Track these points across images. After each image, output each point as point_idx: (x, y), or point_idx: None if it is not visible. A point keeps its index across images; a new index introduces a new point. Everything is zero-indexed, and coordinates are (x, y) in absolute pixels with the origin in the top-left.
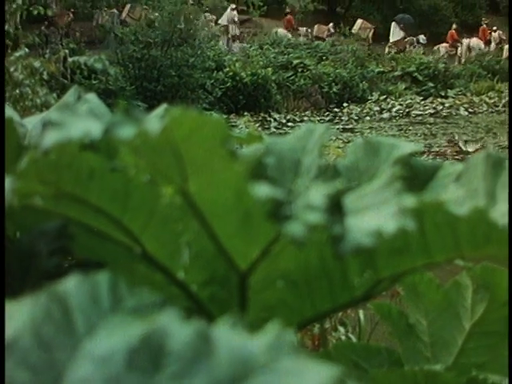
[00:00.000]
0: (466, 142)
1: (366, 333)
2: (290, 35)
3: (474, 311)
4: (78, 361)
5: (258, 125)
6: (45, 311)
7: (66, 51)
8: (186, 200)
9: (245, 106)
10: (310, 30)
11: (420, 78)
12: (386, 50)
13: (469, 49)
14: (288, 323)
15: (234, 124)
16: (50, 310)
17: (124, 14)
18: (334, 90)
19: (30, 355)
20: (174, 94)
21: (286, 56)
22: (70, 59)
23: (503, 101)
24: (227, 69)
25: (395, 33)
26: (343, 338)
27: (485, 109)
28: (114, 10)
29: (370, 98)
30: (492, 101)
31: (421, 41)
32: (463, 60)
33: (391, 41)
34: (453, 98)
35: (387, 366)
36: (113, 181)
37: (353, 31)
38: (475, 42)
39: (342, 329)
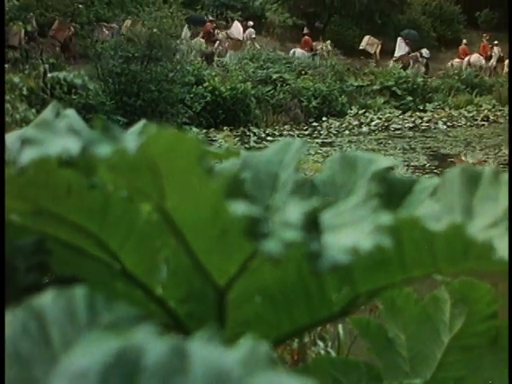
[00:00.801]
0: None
1: (346, 347)
2: (307, 55)
3: (452, 325)
4: (54, 377)
5: (237, 139)
6: (22, 326)
7: (46, 66)
8: (163, 217)
9: (224, 120)
10: (324, 48)
11: (399, 91)
12: (391, 64)
13: (469, 64)
14: (266, 338)
15: (213, 139)
16: (26, 326)
17: (124, 29)
18: (313, 104)
19: (7, 371)
20: (153, 109)
21: (265, 70)
22: (49, 74)
23: (481, 114)
24: (206, 83)
25: (400, 48)
26: (322, 352)
27: (463, 122)
28: (115, 25)
29: (349, 111)
30: (470, 114)
31: (424, 55)
32: (464, 75)
33: (396, 55)
34: (431, 111)
35: (366, 380)
36: (91, 197)
37: (360, 47)
38: (475, 57)
39: (321, 343)
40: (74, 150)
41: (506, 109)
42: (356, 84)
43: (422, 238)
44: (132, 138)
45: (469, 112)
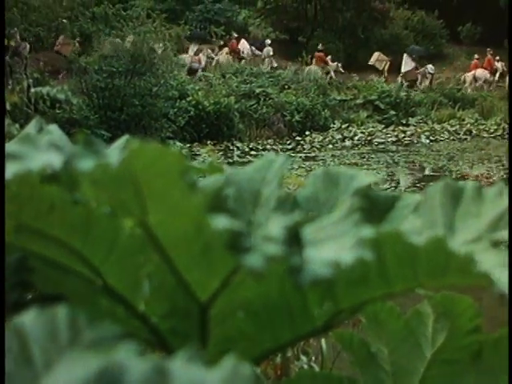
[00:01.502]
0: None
1: (329, 361)
2: (320, 72)
3: (434, 340)
4: None
5: (221, 153)
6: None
7: (30, 81)
8: (145, 232)
9: (208, 134)
10: (340, 65)
11: (382, 106)
12: (399, 79)
13: (474, 79)
14: (249, 354)
15: (197, 153)
16: (8, 345)
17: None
18: (297, 118)
19: None
20: (137, 123)
21: (248, 85)
22: (32, 89)
23: (464, 128)
24: (190, 98)
25: (407, 63)
26: (306, 367)
27: (446, 136)
28: (118, 40)
29: (332, 126)
30: (453, 128)
31: (429, 70)
32: (469, 90)
33: (403, 71)
34: (414, 125)
35: None
36: (73, 213)
37: (369, 63)
38: (481, 72)
39: (304, 358)
40: (56, 164)
41: (489, 122)
42: (339, 98)
43: (404, 252)
44: (115, 152)
45: (452, 126)
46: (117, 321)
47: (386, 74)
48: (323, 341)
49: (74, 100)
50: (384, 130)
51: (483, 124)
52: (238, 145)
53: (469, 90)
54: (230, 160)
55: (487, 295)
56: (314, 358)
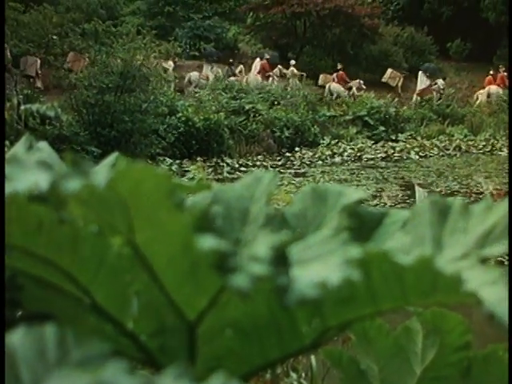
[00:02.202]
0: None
1: (319, 378)
2: (342, 89)
3: (424, 356)
4: None
5: (211, 170)
6: None
7: (20, 97)
8: (133, 251)
9: (198, 151)
10: (362, 82)
11: (371, 121)
12: (414, 97)
13: (488, 95)
14: (237, 371)
15: (186, 169)
16: None
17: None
18: (286, 134)
19: None
20: (127, 140)
21: (238, 101)
22: (22, 106)
23: (453, 144)
24: (180, 114)
25: (422, 81)
26: (295, 383)
27: (436, 152)
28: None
29: (321, 142)
30: (443, 144)
31: (440, 86)
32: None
33: (419, 89)
34: (404, 141)
35: None
36: (61, 232)
37: (383, 80)
38: (494, 88)
39: (294, 374)
40: (43, 185)
41: (478, 138)
42: (328, 114)
43: (391, 271)
44: (102, 172)
45: (441, 142)
46: (105, 339)
47: (399, 91)
48: (313, 357)
49: (63, 117)
50: (373, 146)
51: (472, 140)
52: (228, 161)
53: (482, 108)
54: (220, 176)
55: (477, 311)
56: (303, 375)
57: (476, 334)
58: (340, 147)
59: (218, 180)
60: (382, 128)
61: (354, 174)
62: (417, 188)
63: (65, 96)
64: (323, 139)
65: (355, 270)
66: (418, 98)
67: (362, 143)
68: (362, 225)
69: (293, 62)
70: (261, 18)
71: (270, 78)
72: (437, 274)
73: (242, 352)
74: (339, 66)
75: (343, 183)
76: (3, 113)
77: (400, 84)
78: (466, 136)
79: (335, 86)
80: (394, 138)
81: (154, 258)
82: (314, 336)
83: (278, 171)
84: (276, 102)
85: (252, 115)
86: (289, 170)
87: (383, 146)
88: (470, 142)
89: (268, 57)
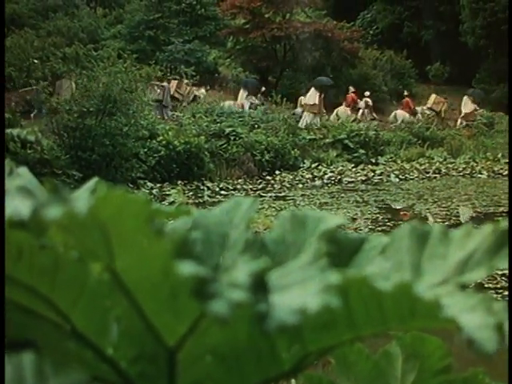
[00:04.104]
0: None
1: None
2: (407, 115)
3: (404, 380)
4: None
5: (191, 193)
6: None
7: None
8: (113, 277)
9: (178, 174)
10: (425, 108)
11: (351, 144)
12: (459, 121)
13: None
14: None
15: (167, 193)
16: None
17: (172, 90)
18: (267, 157)
19: None
20: (108, 164)
21: (218, 124)
22: None
23: (433, 167)
24: (160, 137)
25: (467, 105)
26: None
27: (416, 175)
28: (165, 84)
29: (302, 165)
30: (422, 167)
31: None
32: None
33: (464, 112)
34: (384, 164)
35: None
36: (41, 258)
37: (427, 105)
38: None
39: None
40: (24, 212)
41: (458, 161)
42: (308, 137)
43: (371, 297)
44: (82, 198)
45: (421, 165)
46: (85, 365)
47: (443, 115)
48: (293, 381)
49: (44, 141)
50: (353, 169)
51: (452, 162)
52: (209, 184)
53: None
54: (201, 200)
55: (458, 334)
56: None
57: (458, 357)
58: (320, 170)
59: (198, 204)
60: (362, 151)
61: (334, 197)
62: (461, 209)
63: (46, 120)
64: (303, 162)
65: (334, 296)
66: (464, 122)
67: (342, 166)
68: (342, 250)
69: (367, 93)
70: (241, 41)
71: (360, 111)
72: (415, 300)
73: (222, 378)
74: (351, 88)
75: (323, 206)
76: (3, 118)
77: (444, 109)
78: (445, 159)
79: (400, 113)
80: (373, 160)
81: (133, 284)
82: (293, 361)
83: (259, 195)
84: (256, 126)
85: (232, 138)
86: (269, 194)
87: (363, 169)
88: (450, 165)
89: (354, 90)
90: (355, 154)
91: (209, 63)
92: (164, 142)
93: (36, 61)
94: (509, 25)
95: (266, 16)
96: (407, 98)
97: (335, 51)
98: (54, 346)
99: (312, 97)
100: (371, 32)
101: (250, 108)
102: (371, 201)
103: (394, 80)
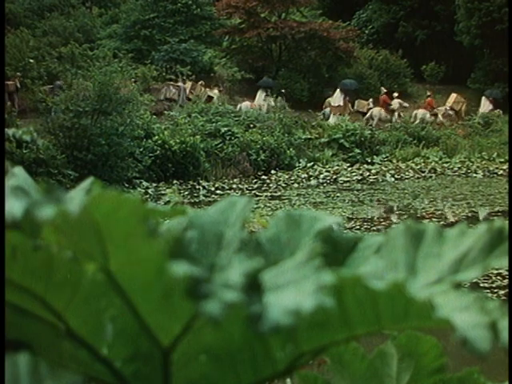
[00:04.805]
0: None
1: None
2: (428, 115)
3: (399, 380)
4: None
5: (187, 193)
6: None
7: None
8: (107, 277)
9: (174, 174)
10: (448, 108)
11: (346, 144)
12: (476, 119)
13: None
14: None
15: (163, 192)
16: None
17: (187, 91)
18: (262, 157)
19: None
20: (104, 163)
21: (214, 124)
22: None
23: (429, 166)
24: (156, 137)
25: (485, 105)
26: None
27: (411, 175)
28: (180, 84)
29: (297, 164)
30: (418, 167)
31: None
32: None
33: (481, 112)
34: (379, 164)
35: None
36: (35, 259)
37: (447, 104)
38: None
39: None
40: (17, 212)
41: (453, 160)
42: (304, 137)
43: (365, 296)
44: (76, 198)
45: (416, 164)
46: (80, 365)
47: (463, 115)
48: (288, 381)
49: (39, 141)
50: (349, 169)
51: (447, 162)
52: (204, 184)
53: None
54: (196, 199)
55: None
56: None
57: (453, 356)
58: (316, 170)
59: (194, 203)
60: (358, 150)
61: (329, 196)
62: (479, 210)
63: (41, 119)
64: (299, 162)
65: (329, 296)
66: (481, 121)
67: (338, 166)
68: (336, 250)
69: (395, 94)
70: (237, 41)
71: (396, 113)
72: (409, 300)
73: (216, 377)
74: (383, 89)
75: (319, 206)
76: (3, 118)
77: (463, 108)
78: (441, 158)
79: (421, 112)
80: (369, 160)
81: (127, 284)
82: (288, 361)
83: (254, 194)
84: (252, 125)
85: (228, 138)
86: (265, 193)
87: (359, 169)
88: (445, 165)
89: (386, 91)
90: (351, 154)
91: (204, 63)
92: (159, 142)
93: (31, 60)
94: (509, 25)
95: (262, 15)
96: (429, 99)
97: (331, 51)
98: (49, 346)
99: (337, 98)
100: (366, 31)
101: (267, 112)
102: (366, 200)
103: (389, 79)
